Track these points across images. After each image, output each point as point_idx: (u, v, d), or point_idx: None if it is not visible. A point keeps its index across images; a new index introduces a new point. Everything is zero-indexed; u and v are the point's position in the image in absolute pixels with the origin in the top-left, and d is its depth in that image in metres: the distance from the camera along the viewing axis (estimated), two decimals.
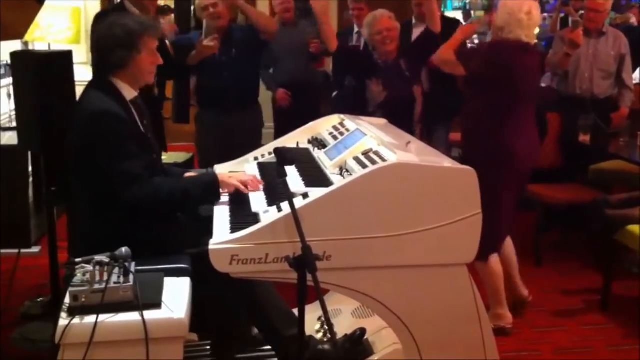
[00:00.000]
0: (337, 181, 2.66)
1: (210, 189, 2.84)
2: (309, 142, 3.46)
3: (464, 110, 3.82)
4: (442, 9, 10.13)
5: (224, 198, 2.91)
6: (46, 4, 5.10)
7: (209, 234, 2.55)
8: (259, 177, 3.03)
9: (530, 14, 3.54)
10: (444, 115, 5.24)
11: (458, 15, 9.38)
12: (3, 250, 4.27)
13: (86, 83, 2.93)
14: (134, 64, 2.79)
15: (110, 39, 2.75)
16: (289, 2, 5.65)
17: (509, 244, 3.88)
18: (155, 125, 3.27)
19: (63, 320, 2.29)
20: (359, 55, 4.35)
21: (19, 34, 5.16)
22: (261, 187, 2.89)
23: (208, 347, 3.06)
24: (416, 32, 4.93)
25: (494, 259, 3.67)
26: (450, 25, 4.96)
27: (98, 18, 3.94)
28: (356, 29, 5.75)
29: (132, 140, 2.72)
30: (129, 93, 2.83)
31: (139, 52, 2.78)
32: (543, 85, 5.60)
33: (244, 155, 3.51)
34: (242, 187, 2.85)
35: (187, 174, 3.16)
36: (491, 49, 3.66)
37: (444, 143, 5.24)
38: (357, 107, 4.13)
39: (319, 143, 3.34)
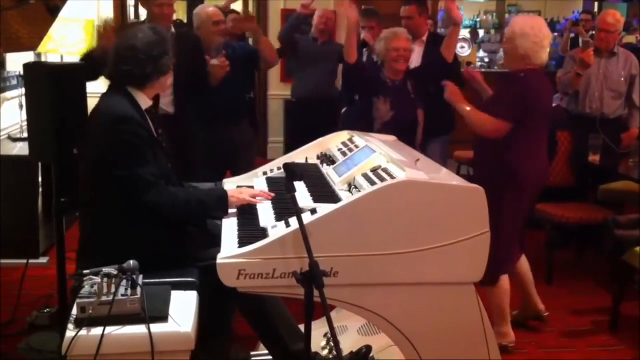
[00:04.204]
0: (346, 198, 2.67)
1: (221, 205, 2.85)
2: (318, 158, 3.46)
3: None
4: None
5: (232, 211, 2.92)
6: (59, 16, 5.14)
7: (218, 245, 2.56)
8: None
9: (548, 37, 3.58)
10: (439, 131, 5.17)
11: (466, 33, 9.42)
12: (12, 261, 4.30)
13: (99, 95, 2.95)
14: (157, 82, 2.84)
15: (136, 54, 2.76)
16: (331, 23, 5.72)
17: (524, 261, 3.89)
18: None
19: (70, 332, 2.30)
20: (370, 71, 4.37)
21: (32, 46, 5.19)
22: (271, 198, 2.91)
23: None
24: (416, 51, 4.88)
25: (504, 278, 3.67)
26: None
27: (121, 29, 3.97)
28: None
29: (150, 147, 2.75)
30: (145, 102, 2.86)
31: (163, 73, 2.82)
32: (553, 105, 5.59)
33: (239, 169, 3.52)
34: (253, 201, 2.87)
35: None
36: (524, 83, 3.54)
37: (438, 160, 5.21)
38: (367, 123, 4.13)
39: (328, 159, 3.35)
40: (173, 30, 4.23)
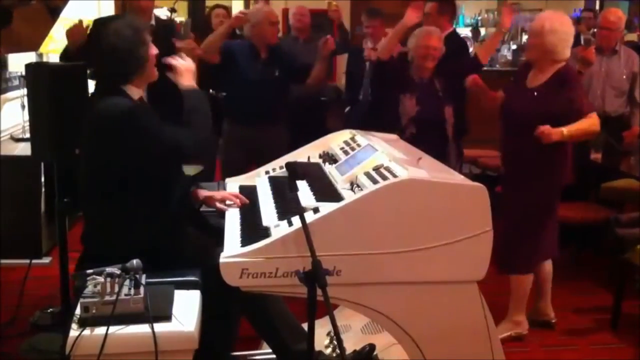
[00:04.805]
0: (348, 196, 2.67)
1: (199, 98, 2.95)
2: (320, 156, 3.47)
3: (508, 129, 3.80)
4: (454, 25, 10.17)
5: (235, 211, 2.93)
6: (60, 17, 5.14)
7: (220, 245, 2.56)
8: (269, 191, 3.06)
9: (573, 33, 3.67)
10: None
11: (467, 31, 9.41)
12: (14, 260, 4.31)
13: None
14: (143, 72, 2.86)
15: (118, 52, 2.77)
16: (306, 19, 5.70)
17: (548, 264, 3.93)
18: None
19: (73, 332, 2.30)
20: (400, 68, 4.37)
21: (33, 46, 5.20)
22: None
23: None
24: None
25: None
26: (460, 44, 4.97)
27: (99, 26, 3.96)
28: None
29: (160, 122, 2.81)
30: (137, 93, 2.88)
31: (143, 62, 2.83)
32: None
33: None
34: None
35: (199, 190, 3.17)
36: (556, 81, 3.65)
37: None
38: (374, 122, 4.13)
39: (330, 158, 3.35)
40: (153, 22, 4.22)
